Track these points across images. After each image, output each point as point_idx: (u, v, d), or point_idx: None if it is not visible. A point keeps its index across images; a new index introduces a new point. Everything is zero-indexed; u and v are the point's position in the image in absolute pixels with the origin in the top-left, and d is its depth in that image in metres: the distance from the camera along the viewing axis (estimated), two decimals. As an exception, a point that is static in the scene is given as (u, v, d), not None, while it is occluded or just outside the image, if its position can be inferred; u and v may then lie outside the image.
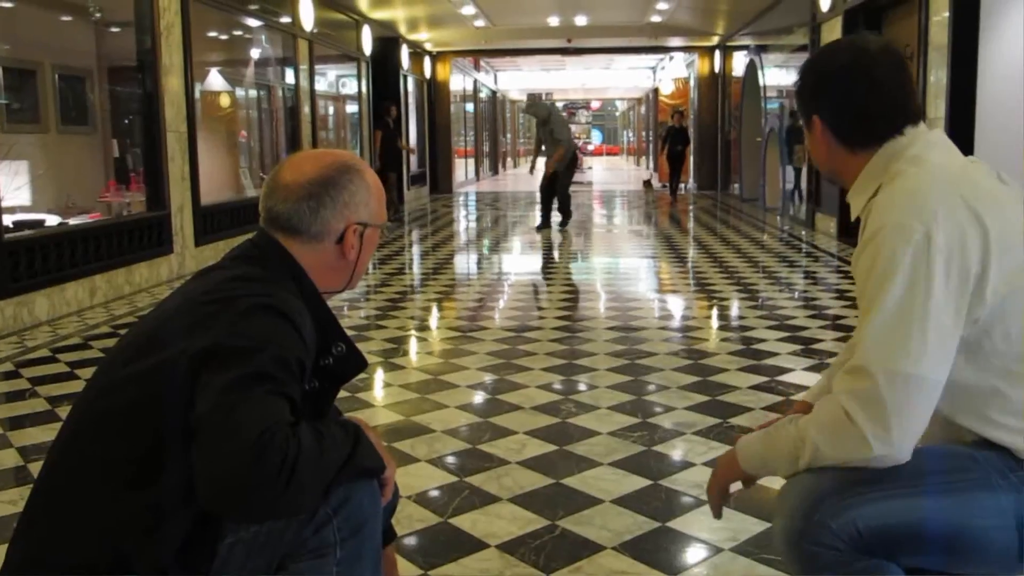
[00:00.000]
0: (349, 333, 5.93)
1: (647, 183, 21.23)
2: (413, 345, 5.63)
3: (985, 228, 1.56)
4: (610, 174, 33.81)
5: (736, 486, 1.88)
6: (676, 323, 6.32)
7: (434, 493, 3.16)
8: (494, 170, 33.63)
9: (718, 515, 1.93)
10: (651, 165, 31.62)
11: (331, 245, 1.73)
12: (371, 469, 1.60)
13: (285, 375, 1.48)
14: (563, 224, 12.45)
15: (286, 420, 1.42)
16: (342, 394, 4.34)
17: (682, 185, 19.11)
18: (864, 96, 1.74)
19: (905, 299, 1.53)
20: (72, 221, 7.59)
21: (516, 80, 34.41)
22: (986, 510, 1.57)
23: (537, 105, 13.02)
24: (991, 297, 1.56)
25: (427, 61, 20.49)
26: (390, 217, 13.38)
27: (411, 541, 2.80)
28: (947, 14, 7.37)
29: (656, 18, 16.34)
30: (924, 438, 1.61)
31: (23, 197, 8.16)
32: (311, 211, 1.70)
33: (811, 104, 1.82)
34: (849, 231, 10.30)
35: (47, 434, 3.79)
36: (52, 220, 7.57)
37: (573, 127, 32.55)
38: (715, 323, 6.35)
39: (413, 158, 18.52)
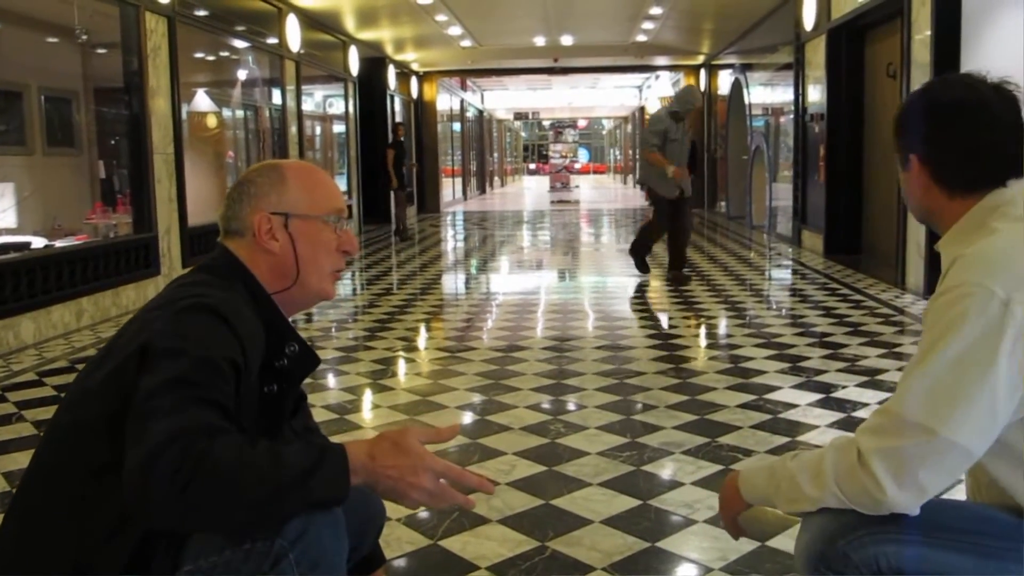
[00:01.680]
0: (337, 354, 5.93)
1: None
2: (401, 366, 5.62)
3: None
4: (597, 192, 33.90)
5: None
6: (664, 341, 6.33)
7: (423, 515, 3.15)
8: (481, 189, 33.70)
9: (737, 538, 1.93)
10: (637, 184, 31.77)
11: (253, 239, 1.73)
12: (323, 500, 1.47)
13: (211, 378, 1.46)
14: (676, 268, 9.20)
15: (198, 427, 1.38)
16: (331, 416, 4.35)
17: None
18: (974, 135, 1.63)
19: (965, 360, 1.45)
20: (58, 243, 7.56)
21: (503, 99, 34.58)
22: None
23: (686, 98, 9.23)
24: None
25: (414, 81, 20.56)
26: (399, 236, 13.36)
27: (401, 564, 2.78)
28: (929, 32, 7.44)
29: (642, 37, 16.44)
30: (977, 496, 1.57)
31: (9, 219, 8.13)
32: (229, 208, 1.77)
33: (912, 139, 1.69)
34: (834, 248, 10.37)
35: (33, 459, 3.76)
36: (38, 242, 7.53)
37: (559, 146, 32.68)
38: (703, 341, 6.36)
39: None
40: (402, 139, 15.21)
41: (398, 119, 17.92)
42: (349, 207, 15.23)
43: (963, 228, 1.64)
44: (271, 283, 1.73)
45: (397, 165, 14.45)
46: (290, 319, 1.79)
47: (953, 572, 1.51)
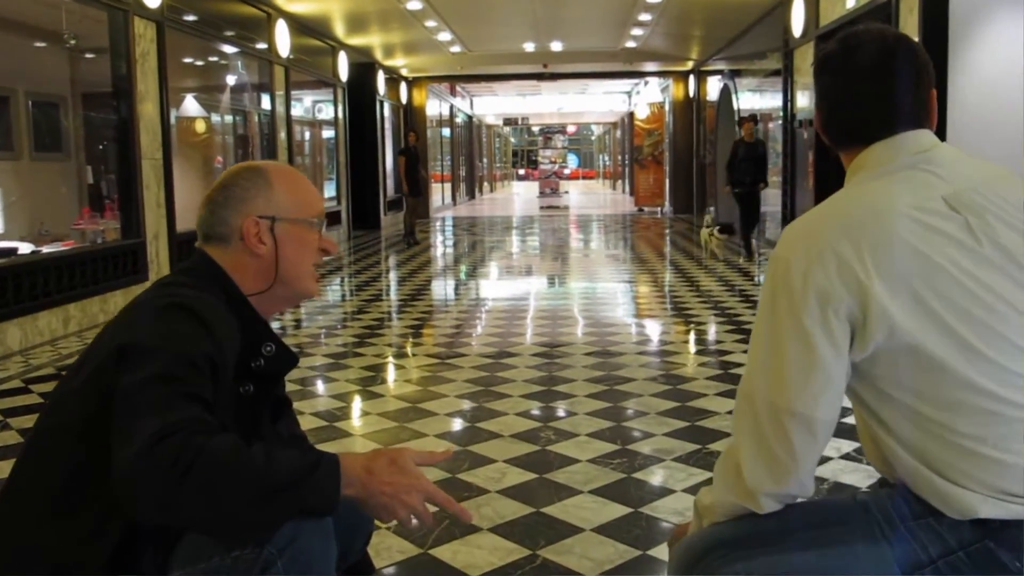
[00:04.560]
0: (326, 361, 5.90)
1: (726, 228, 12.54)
2: (391, 372, 5.60)
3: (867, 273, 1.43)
4: (586, 198, 33.94)
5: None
6: (654, 347, 6.33)
7: (413, 523, 3.13)
8: (471, 195, 33.70)
9: None
10: (627, 189, 31.80)
11: (239, 244, 1.73)
12: (314, 507, 1.46)
13: (192, 374, 1.47)
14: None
15: (189, 420, 1.40)
16: (320, 423, 4.33)
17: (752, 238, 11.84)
18: (836, 84, 1.61)
19: (780, 334, 1.46)
20: (45, 249, 7.52)
21: (492, 105, 34.57)
22: (863, 563, 1.49)
23: None
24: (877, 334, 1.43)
25: (403, 87, 20.55)
26: (408, 242, 13.38)
27: (391, 572, 2.77)
28: (916, 38, 7.46)
29: (631, 43, 16.47)
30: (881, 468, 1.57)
31: (-4, 225, 8.09)
32: (211, 214, 1.75)
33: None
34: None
35: (19, 467, 3.73)
36: (25, 248, 7.49)
37: (549, 151, 32.68)
38: (692, 347, 6.36)
39: (390, 183, 18.55)
40: (414, 146, 15.21)
41: (411, 127, 17.98)
42: (337, 213, 15.24)
43: None
44: (253, 285, 1.73)
45: (410, 172, 14.48)
46: (272, 317, 1.80)
47: (796, 572, 1.50)
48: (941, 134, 7.62)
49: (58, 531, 1.49)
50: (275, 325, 7.29)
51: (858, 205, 1.52)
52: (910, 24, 7.64)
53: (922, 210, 1.47)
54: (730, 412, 4.33)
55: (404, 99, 20.66)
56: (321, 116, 16.08)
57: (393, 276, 11.04)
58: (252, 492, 1.39)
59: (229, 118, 12.57)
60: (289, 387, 4.87)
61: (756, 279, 9.58)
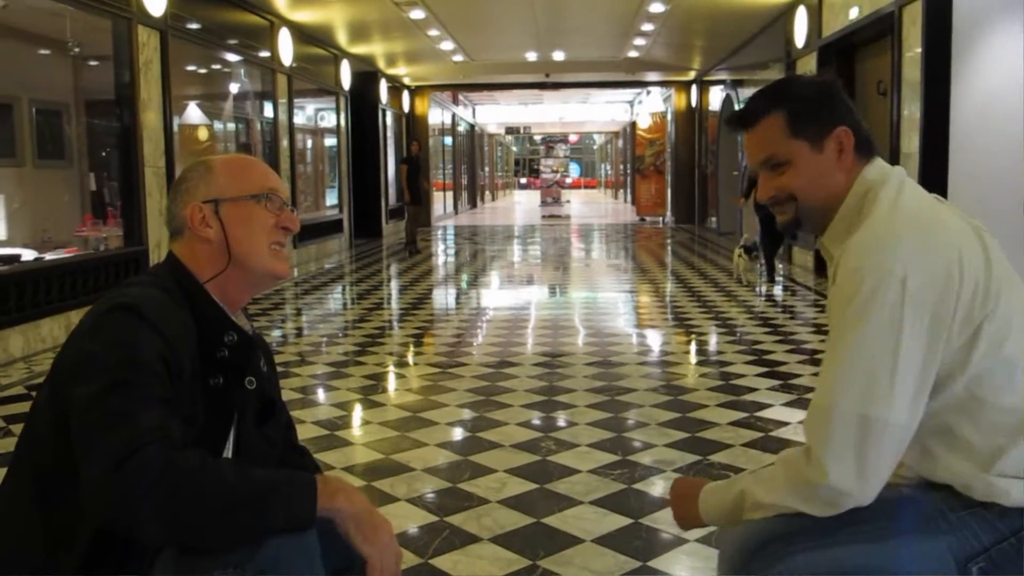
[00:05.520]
0: (327, 370, 5.89)
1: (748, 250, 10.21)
2: (392, 381, 5.60)
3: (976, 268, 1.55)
4: (588, 207, 33.96)
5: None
6: (655, 358, 6.33)
7: (414, 532, 3.14)
8: (472, 203, 33.72)
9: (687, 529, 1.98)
10: (628, 198, 31.80)
11: (189, 233, 1.74)
12: (287, 520, 1.44)
13: (142, 376, 1.47)
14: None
15: (150, 431, 1.40)
16: (321, 432, 4.33)
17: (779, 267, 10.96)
18: (853, 109, 1.76)
19: (877, 342, 1.50)
20: (48, 256, 7.53)
21: (494, 114, 34.64)
22: (918, 556, 1.54)
23: None
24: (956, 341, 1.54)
25: (405, 95, 20.59)
26: (410, 250, 13.37)
27: (390, 583, 2.76)
28: (919, 50, 7.48)
29: (633, 53, 16.49)
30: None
31: (-2, 232, 8.10)
32: (168, 211, 1.78)
33: (837, 114, 1.73)
34: (825, 266, 10.36)
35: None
36: (28, 255, 7.50)
37: (550, 160, 32.72)
38: (693, 358, 6.36)
39: (392, 191, 18.57)
40: (416, 155, 15.25)
41: (413, 136, 18.10)
42: (339, 221, 15.23)
43: (843, 217, 1.70)
44: (209, 271, 1.73)
45: (412, 180, 14.51)
46: (241, 304, 1.79)
47: (852, 566, 1.55)
48: (944, 144, 7.64)
49: (34, 535, 1.52)
50: (276, 333, 7.31)
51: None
52: (913, 34, 7.67)
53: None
54: (731, 423, 4.36)
55: (406, 108, 20.69)
56: (323, 124, 16.11)
57: (394, 285, 11.05)
58: (220, 505, 1.40)
59: (232, 126, 12.60)
60: (290, 395, 4.86)
61: (777, 299, 9.57)
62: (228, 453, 1.69)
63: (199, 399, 1.61)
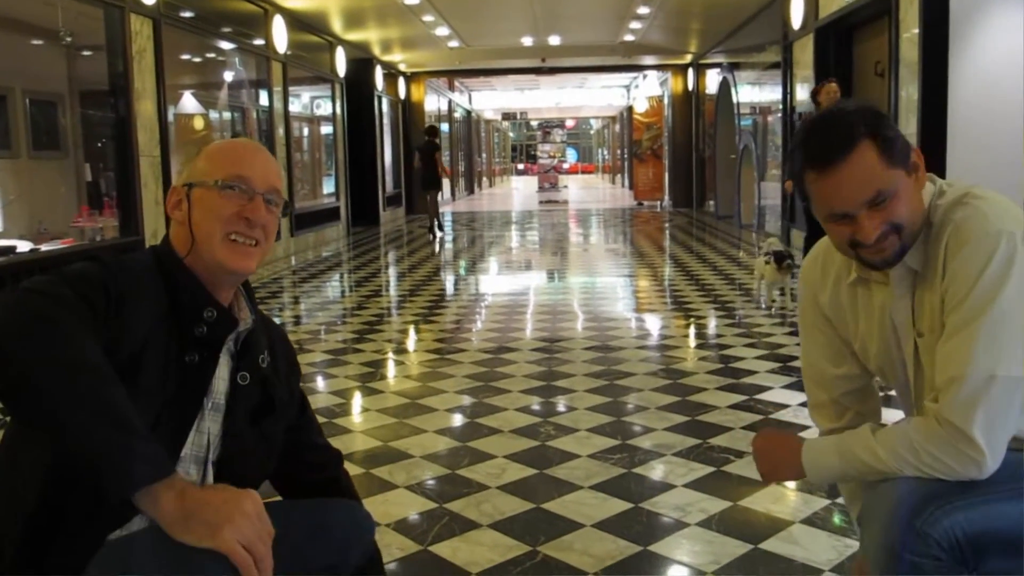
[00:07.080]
0: (325, 357, 5.88)
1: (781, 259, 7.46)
2: (391, 368, 5.59)
3: None
4: (586, 193, 33.91)
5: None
6: (654, 342, 6.32)
7: (413, 520, 3.13)
8: (470, 190, 33.67)
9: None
10: (626, 183, 31.76)
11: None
12: (109, 467, 1.36)
13: (83, 285, 1.51)
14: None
15: (69, 296, 1.46)
16: (320, 419, 4.29)
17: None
18: None
19: (1019, 301, 1.56)
20: (44, 247, 7.50)
21: (491, 100, 34.55)
22: None
23: None
24: None
25: (401, 82, 20.51)
26: (433, 234, 13.40)
27: (391, 569, 2.76)
28: (917, 31, 7.44)
29: (629, 37, 16.44)
30: None
31: (-6, 223, 8.07)
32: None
33: (904, 139, 1.72)
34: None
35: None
36: (24, 247, 7.47)
37: (547, 146, 32.65)
38: (693, 341, 6.35)
39: (389, 179, 18.54)
40: (437, 141, 15.33)
41: (431, 124, 18.15)
42: (336, 208, 15.20)
43: (923, 233, 1.71)
44: (182, 251, 1.73)
45: (427, 167, 14.60)
46: (227, 292, 1.74)
47: (1014, 520, 1.58)
48: (942, 128, 7.61)
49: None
50: (276, 321, 7.28)
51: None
52: (911, 14, 7.63)
53: None
54: (730, 406, 4.35)
55: (402, 94, 20.63)
56: (319, 112, 16.06)
57: (392, 272, 11.03)
58: (82, 392, 1.37)
59: (227, 115, 12.55)
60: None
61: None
62: (211, 442, 1.66)
63: (174, 374, 1.59)
